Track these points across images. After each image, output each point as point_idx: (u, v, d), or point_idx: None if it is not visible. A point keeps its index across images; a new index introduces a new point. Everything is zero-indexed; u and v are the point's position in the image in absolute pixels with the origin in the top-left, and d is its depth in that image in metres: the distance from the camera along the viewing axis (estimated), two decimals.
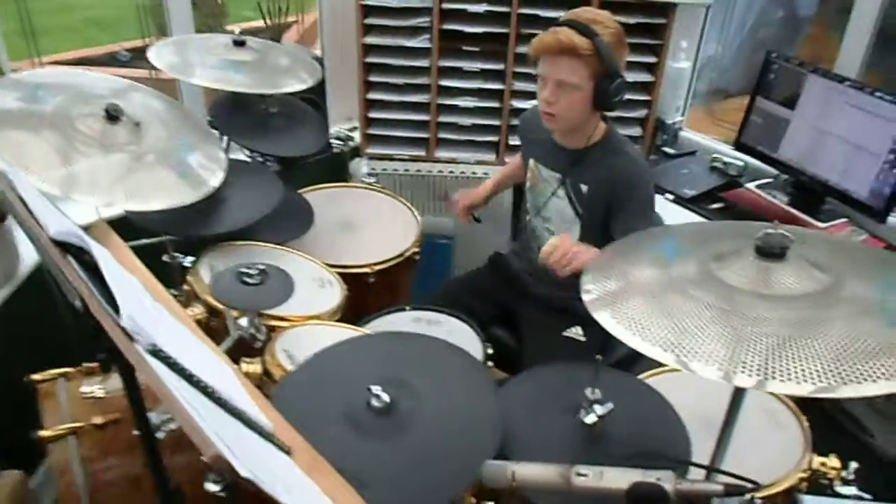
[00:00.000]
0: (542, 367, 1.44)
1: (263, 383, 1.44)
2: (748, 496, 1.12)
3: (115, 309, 0.78)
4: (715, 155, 2.64)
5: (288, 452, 0.90)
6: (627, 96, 2.53)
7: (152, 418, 1.12)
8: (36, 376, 1.63)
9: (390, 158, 2.68)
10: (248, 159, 2.16)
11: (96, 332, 0.82)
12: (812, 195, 2.35)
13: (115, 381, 1.61)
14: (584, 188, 1.85)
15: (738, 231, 1.10)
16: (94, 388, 1.60)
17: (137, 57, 5.07)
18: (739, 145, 2.55)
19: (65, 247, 0.90)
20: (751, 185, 2.50)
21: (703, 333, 0.94)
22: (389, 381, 1.14)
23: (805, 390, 0.82)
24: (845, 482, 1.50)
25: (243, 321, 1.39)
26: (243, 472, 0.66)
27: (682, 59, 2.67)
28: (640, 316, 0.98)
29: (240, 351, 1.45)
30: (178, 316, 1.13)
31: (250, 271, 1.39)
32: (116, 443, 1.52)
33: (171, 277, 1.93)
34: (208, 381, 0.84)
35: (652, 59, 2.48)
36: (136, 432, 1.05)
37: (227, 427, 0.81)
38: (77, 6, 5.16)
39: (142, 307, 0.85)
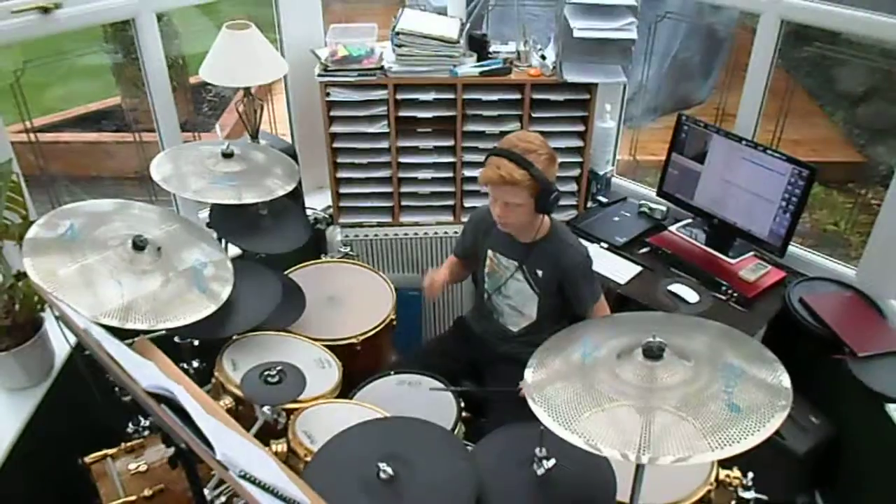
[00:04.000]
0: (498, 431, 1.83)
1: (290, 458, 1.81)
2: None
3: (209, 446, 1.13)
4: (642, 201, 3.06)
5: None
6: (563, 159, 2.94)
7: (207, 494, 1.49)
8: (87, 458, 1.93)
9: (360, 226, 3.05)
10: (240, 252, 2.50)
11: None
12: (724, 235, 2.77)
13: (152, 455, 1.95)
14: (539, 273, 2.25)
15: (639, 323, 1.50)
16: (138, 463, 1.92)
17: (112, 116, 5.24)
18: (662, 193, 2.96)
19: (156, 397, 1.25)
20: (674, 228, 2.91)
21: (601, 418, 1.33)
22: (390, 455, 1.52)
23: (669, 461, 1.22)
24: (746, 488, 1.90)
25: (267, 409, 1.76)
26: None
27: (608, 119, 3.06)
28: (556, 400, 1.39)
29: (266, 431, 1.81)
30: (227, 422, 1.48)
31: (272, 372, 1.75)
32: None
33: (181, 355, 2.25)
34: (270, 481, 1.20)
35: (581, 128, 2.88)
36: None
37: None
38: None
39: (223, 439, 1.20)
